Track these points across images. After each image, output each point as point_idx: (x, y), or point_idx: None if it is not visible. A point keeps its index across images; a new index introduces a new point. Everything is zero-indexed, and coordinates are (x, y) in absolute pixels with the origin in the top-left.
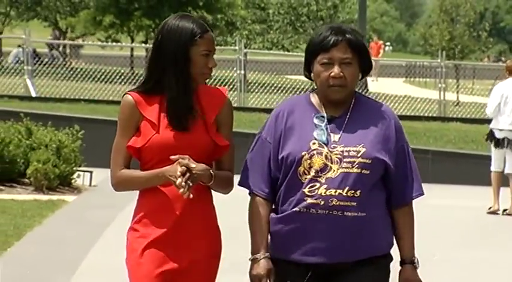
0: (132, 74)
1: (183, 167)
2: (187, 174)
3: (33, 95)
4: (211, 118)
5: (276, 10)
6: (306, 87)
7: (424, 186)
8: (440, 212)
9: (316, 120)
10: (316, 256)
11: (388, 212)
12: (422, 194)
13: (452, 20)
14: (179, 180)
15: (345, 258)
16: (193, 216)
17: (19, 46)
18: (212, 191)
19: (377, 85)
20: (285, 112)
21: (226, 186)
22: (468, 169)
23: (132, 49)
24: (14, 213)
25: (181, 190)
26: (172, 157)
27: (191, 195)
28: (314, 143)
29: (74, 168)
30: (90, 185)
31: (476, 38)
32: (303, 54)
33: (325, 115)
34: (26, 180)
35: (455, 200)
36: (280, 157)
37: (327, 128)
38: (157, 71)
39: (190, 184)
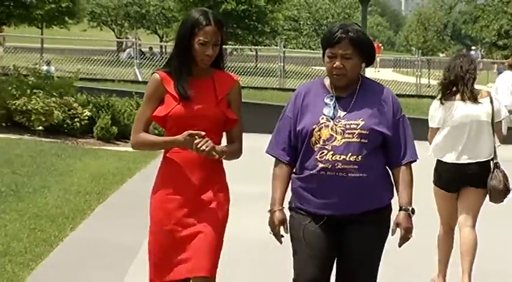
0: None
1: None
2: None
3: (140, 79)
4: (221, 95)
5: (305, 22)
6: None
7: None
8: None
9: (326, 100)
10: (327, 209)
11: (387, 172)
12: (415, 160)
13: (425, 28)
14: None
15: (350, 211)
16: (208, 174)
17: (130, 48)
18: None
19: (376, 74)
20: (302, 93)
21: (235, 157)
22: None
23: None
24: (127, 159)
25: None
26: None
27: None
28: (323, 118)
29: None
30: None
31: (441, 40)
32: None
33: (334, 95)
34: None
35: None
36: (297, 130)
37: (335, 106)
38: (172, 53)
39: (203, 148)
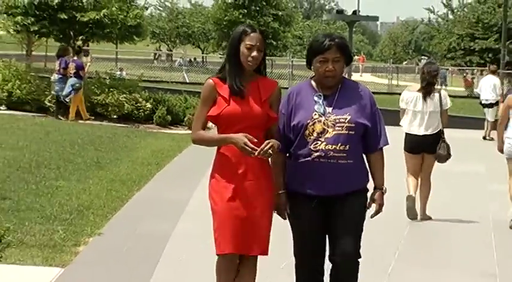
0: None
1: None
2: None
3: (187, 81)
4: (265, 97)
5: (307, 39)
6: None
7: None
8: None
9: (315, 98)
10: (319, 191)
11: (364, 159)
12: (387, 144)
13: (395, 44)
14: (258, 150)
15: (339, 191)
16: (255, 166)
17: (181, 58)
18: None
19: (360, 77)
20: (294, 93)
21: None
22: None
23: None
24: (178, 139)
25: (251, 152)
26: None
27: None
28: (315, 114)
29: None
30: (215, 126)
31: (407, 53)
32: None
33: (321, 94)
34: (184, 124)
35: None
36: (292, 124)
37: (323, 103)
38: (224, 61)
39: (270, 151)
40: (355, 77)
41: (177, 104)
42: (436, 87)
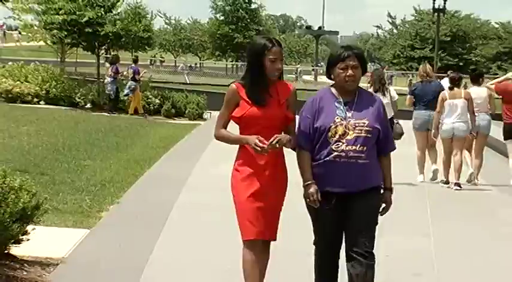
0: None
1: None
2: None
3: (188, 82)
4: (283, 100)
5: (289, 50)
6: (329, 85)
7: None
8: None
9: (336, 104)
10: (339, 187)
11: (377, 159)
12: (395, 148)
13: None
14: (265, 147)
15: (357, 188)
16: (273, 162)
17: (183, 64)
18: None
19: (324, 80)
20: (317, 98)
21: (294, 145)
22: None
23: (233, 65)
24: (180, 128)
25: (261, 150)
26: (261, 142)
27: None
28: (337, 118)
29: (203, 111)
30: (209, 117)
31: (369, 63)
32: (300, 67)
33: (341, 100)
34: (185, 116)
35: None
36: (315, 127)
37: (344, 109)
38: (247, 70)
39: (277, 145)
40: (323, 79)
41: (180, 100)
42: (386, 86)
